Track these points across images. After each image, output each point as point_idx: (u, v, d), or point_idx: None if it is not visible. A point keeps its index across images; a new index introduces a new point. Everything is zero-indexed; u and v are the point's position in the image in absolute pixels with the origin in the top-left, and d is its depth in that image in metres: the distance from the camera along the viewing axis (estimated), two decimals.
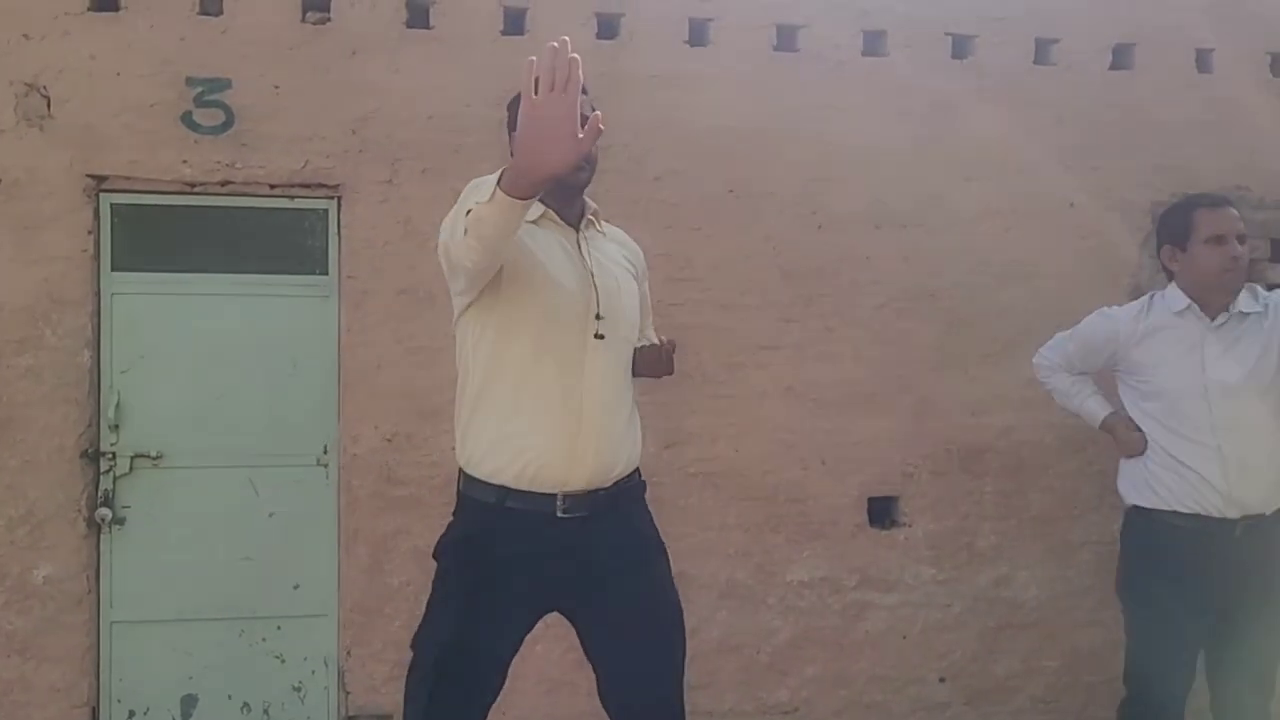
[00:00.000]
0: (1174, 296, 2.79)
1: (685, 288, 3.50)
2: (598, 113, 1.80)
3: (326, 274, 3.45)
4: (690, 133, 3.52)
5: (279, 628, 3.44)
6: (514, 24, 3.47)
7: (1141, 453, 2.82)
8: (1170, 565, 2.73)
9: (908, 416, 3.66)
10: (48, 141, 3.23)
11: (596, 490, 2.16)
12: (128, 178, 3.29)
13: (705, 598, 3.51)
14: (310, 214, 3.46)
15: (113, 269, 3.33)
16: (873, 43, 3.68)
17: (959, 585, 3.70)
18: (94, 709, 3.32)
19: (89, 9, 3.25)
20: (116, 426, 3.32)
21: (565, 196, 2.20)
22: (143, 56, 3.27)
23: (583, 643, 2.27)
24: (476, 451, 2.17)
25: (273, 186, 3.37)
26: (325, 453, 3.44)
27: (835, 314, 3.63)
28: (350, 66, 3.37)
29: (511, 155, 1.96)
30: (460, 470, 2.22)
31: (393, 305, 3.38)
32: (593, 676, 2.25)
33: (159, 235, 3.38)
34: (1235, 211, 2.77)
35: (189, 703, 3.40)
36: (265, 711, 3.44)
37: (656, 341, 2.37)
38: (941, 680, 3.71)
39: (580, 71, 1.72)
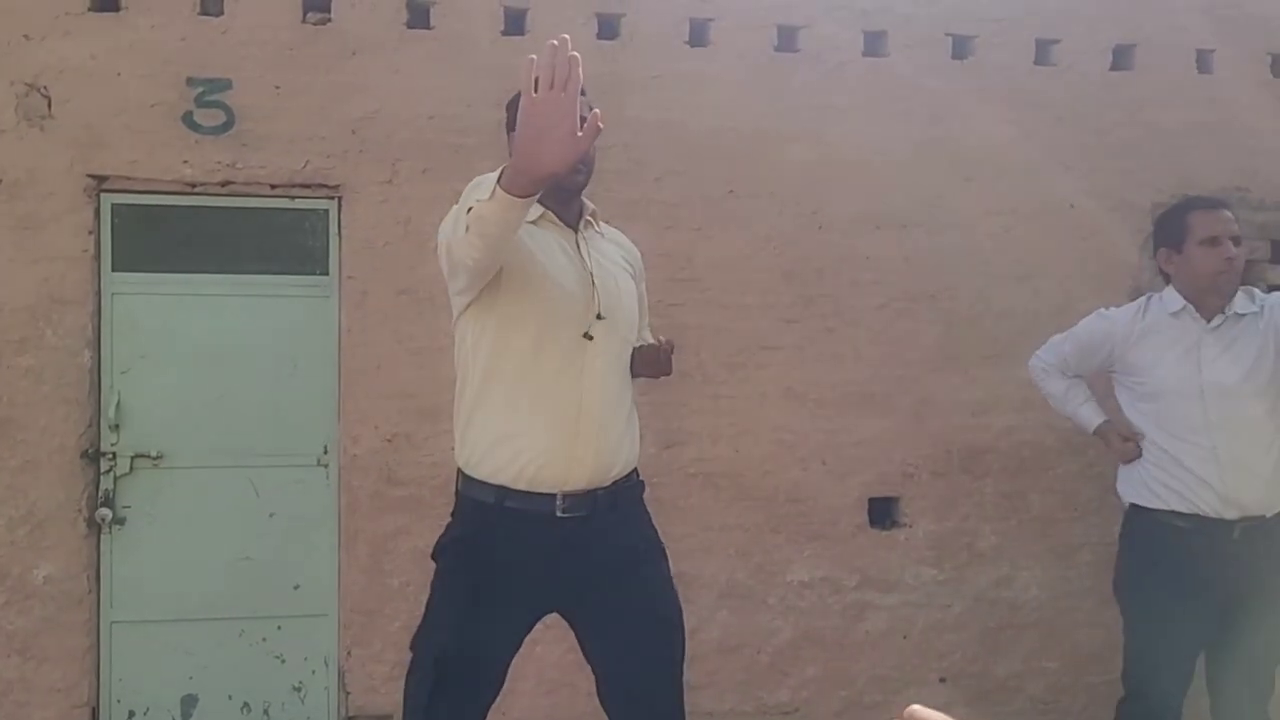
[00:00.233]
0: (1170, 298, 2.80)
1: (685, 288, 3.50)
2: (596, 111, 1.80)
3: (327, 274, 3.45)
4: (690, 133, 3.52)
5: (279, 628, 3.44)
6: (514, 24, 3.47)
7: (1133, 460, 2.85)
8: (1169, 565, 2.73)
9: (908, 417, 3.66)
10: (48, 141, 3.23)
11: (595, 490, 2.16)
12: (128, 178, 3.29)
13: (705, 598, 3.51)
14: (310, 214, 3.46)
15: (113, 269, 3.33)
16: (873, 43, 3.68)
17: (959, 586, 3.70)
18: (94, 709, 3.32)
19: (90, 9, 3.26)
20: (117, 426, 3.32)
21: (563, 198, 2.20)
22: (143, 56, 3.28)
23: (581, 643, 2.27)
24: (476, 451, 2.16)
25: (273, 187, 3.37)
26: (325, 453, 3.44)
27: (835, 314, 3.63)
28: (351, 67, 3.37)
29: (511, 155, 1.96)
30: (459, 470, 2.22)
31: (393, 305, 3.38)
32: (592, 677, 2.25)
33: (159, 235, 3.38)
34: (1230, 213, 2.78)
35: (189, 703, 3.40)
36: (265, 711, 3.44)
37: (654, 342, 2.37)
38: (942, 681, 3.71)
39: (580, 70, 1.72)
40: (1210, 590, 2.68)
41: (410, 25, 3.41)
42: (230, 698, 3.42)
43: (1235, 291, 2.76)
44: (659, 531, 2.33)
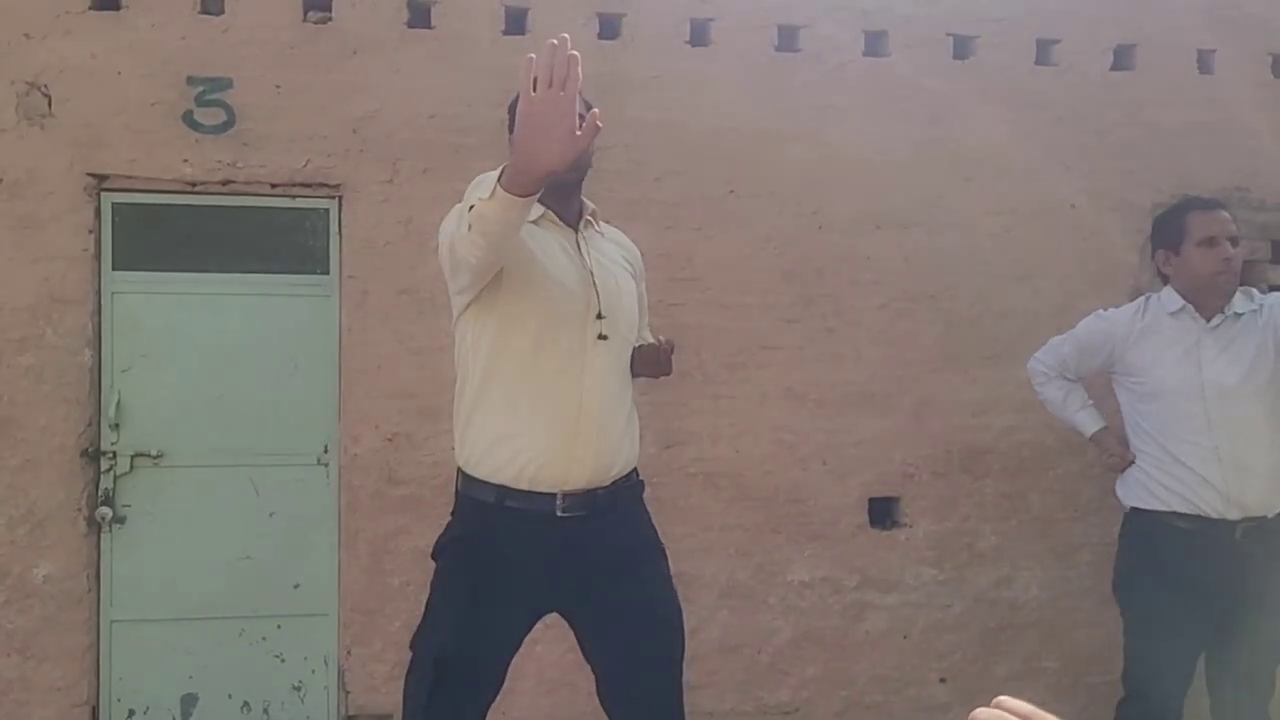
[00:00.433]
0: (1169, 298, 2.81)
1: (685, 288, 3.50)
2: (595, 110, 1.81)
3: (327, 274, 3.45)
4: (690, 133, 3.52)
5: (279, 627, 3.44)
6: (515, 24, 3.47)
7: (1123, 469, 2.88)
8: (1169, 566, 2.73)
9: (908, 417, 3.66)
10: (49, 140, 3.23)
11: (595, 490, 2.16)
12: (129, 177, 3.29)
13: (705, 598, 3.51)
14: (311, 213, 3.46)
15: (113, 268, 3.33)
16: (873, 43, 3.68)
17: (960, 586, 3.70)
18: (94, 708, 3.32)
19: (90, 8, 3.26)
20: (117, 425, 3.32)
21: (561, 195, 2.20)
22: (144, 56, 3.27)
23: (581, 643, 2.27)
24: (476, 451, 2.17)
25: (274, 186, 3.37)
26: (326, 452, 3.44)
27: (835, 314, 3.63)
28: (351, 66, 3.37)
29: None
30: (459, 470, 2.22)
31: (393, 305, 3.38)
32: (592, 677, 2.25)
33: (160, 234, 3.38)
34: (1227, 214, 2.79)
35: (189, 702, 3.40)
36: (265, 711, 3.44)
37: (654, 341, 2.37)
38: (942, 681, 3.71)
39: (579, 69, 1.73)
40: (1210, 591, 2.68)
41: (411, 25, 3.41)
42: (230, 697, 3.42)
43: (1234, 292, 2.77)
44: (659, 531, 2.33)
